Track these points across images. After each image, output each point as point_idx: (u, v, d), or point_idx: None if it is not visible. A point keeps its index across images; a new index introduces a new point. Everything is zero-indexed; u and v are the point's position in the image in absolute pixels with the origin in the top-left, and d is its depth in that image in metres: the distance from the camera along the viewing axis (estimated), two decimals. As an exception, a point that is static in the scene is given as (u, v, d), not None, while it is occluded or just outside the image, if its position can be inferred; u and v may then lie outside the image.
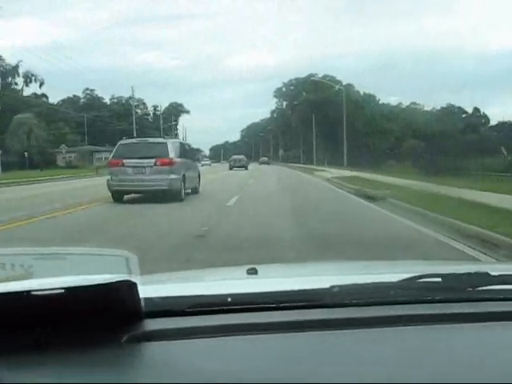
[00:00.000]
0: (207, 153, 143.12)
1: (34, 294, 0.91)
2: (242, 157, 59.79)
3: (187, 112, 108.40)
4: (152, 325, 1.05)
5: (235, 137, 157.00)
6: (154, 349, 1.00)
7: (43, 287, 0.92)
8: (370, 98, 73.94)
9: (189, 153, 17.54)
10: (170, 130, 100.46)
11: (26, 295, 0.91)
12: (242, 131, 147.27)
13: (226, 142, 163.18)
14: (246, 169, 51.62)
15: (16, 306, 0.93)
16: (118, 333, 0.99)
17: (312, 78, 71.28)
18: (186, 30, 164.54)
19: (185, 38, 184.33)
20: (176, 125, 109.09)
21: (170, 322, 1.08)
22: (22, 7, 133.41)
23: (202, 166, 41.52)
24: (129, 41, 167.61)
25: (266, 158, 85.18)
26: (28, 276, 1.09)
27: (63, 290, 0.91)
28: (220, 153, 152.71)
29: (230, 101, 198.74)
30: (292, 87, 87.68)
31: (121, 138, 16.96)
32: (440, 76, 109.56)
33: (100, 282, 0.93)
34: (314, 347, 1.03)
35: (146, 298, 1.05)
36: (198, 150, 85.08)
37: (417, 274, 1.25)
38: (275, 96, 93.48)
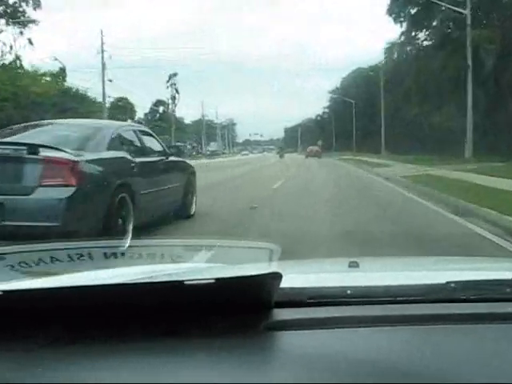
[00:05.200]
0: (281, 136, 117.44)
1: (185, 284, 0.93)
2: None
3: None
4: (282, 314, 1.08)
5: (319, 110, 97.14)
6: (288, 338, 1.02)
7: (195, 277, 0.95)
8: None
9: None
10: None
11: (178, 284, 0.94)
12: (331, 92, 79.48)
13: (308, 120, 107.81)
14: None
15: (166, 294, 0.96)
16: (254, 321, 1.01)
17: None
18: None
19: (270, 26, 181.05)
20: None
21: (296, 312, 1.10)
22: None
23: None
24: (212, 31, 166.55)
25: (315, 148, 63.92)
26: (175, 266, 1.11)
27: (213, 281, 0.93)
28: (297, 136, 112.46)
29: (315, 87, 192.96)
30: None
31: None
32: None
33: (250, 274, 0.95)
34: (434, 341, 1.03)
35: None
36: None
37: None
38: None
